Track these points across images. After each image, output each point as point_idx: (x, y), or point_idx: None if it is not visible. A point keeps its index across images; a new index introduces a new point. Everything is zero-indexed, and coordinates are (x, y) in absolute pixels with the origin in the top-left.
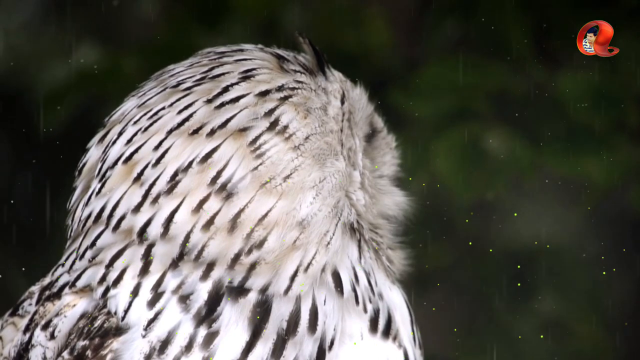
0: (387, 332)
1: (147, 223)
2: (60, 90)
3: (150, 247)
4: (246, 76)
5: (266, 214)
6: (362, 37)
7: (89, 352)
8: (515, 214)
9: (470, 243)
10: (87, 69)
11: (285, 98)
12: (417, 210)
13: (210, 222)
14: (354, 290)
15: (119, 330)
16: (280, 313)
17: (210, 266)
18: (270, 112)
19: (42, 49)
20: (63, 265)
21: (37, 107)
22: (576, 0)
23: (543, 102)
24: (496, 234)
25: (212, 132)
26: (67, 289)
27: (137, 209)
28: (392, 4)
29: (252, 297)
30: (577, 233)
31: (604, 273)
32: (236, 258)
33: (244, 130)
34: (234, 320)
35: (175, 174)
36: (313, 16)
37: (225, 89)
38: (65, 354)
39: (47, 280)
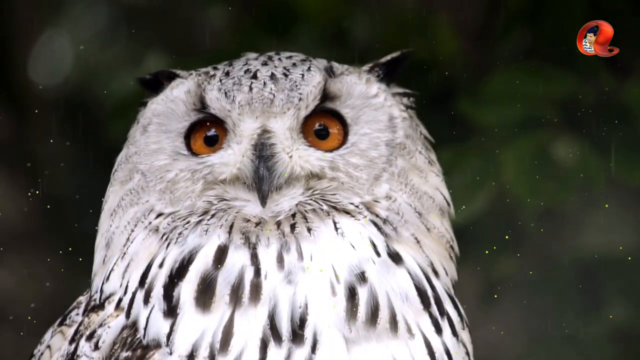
0: (374, 320)
1: None
2: (129, 100)
3: None
4: None
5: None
6: (430, 45)
7: None
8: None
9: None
10: None
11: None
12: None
13: None
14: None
15: (160, 342)
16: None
17: None
18: None
19: (112, 60)
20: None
21: (106, 116)
22: None
23: (612, 110)
24: (565, 242)
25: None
26: (110, 300)
27: None
28: (460, 12)
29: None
30: None
31: None
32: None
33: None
34: None
35: None
36: (381, 24)
37: None
38: None
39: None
